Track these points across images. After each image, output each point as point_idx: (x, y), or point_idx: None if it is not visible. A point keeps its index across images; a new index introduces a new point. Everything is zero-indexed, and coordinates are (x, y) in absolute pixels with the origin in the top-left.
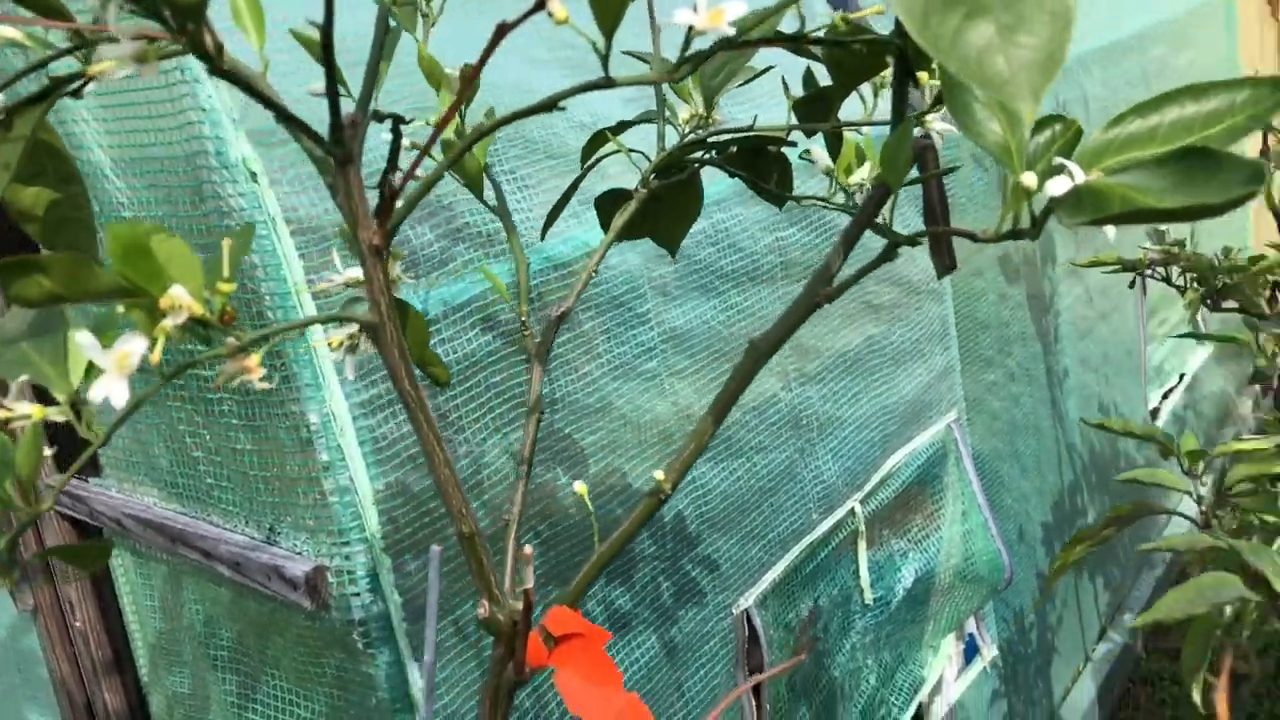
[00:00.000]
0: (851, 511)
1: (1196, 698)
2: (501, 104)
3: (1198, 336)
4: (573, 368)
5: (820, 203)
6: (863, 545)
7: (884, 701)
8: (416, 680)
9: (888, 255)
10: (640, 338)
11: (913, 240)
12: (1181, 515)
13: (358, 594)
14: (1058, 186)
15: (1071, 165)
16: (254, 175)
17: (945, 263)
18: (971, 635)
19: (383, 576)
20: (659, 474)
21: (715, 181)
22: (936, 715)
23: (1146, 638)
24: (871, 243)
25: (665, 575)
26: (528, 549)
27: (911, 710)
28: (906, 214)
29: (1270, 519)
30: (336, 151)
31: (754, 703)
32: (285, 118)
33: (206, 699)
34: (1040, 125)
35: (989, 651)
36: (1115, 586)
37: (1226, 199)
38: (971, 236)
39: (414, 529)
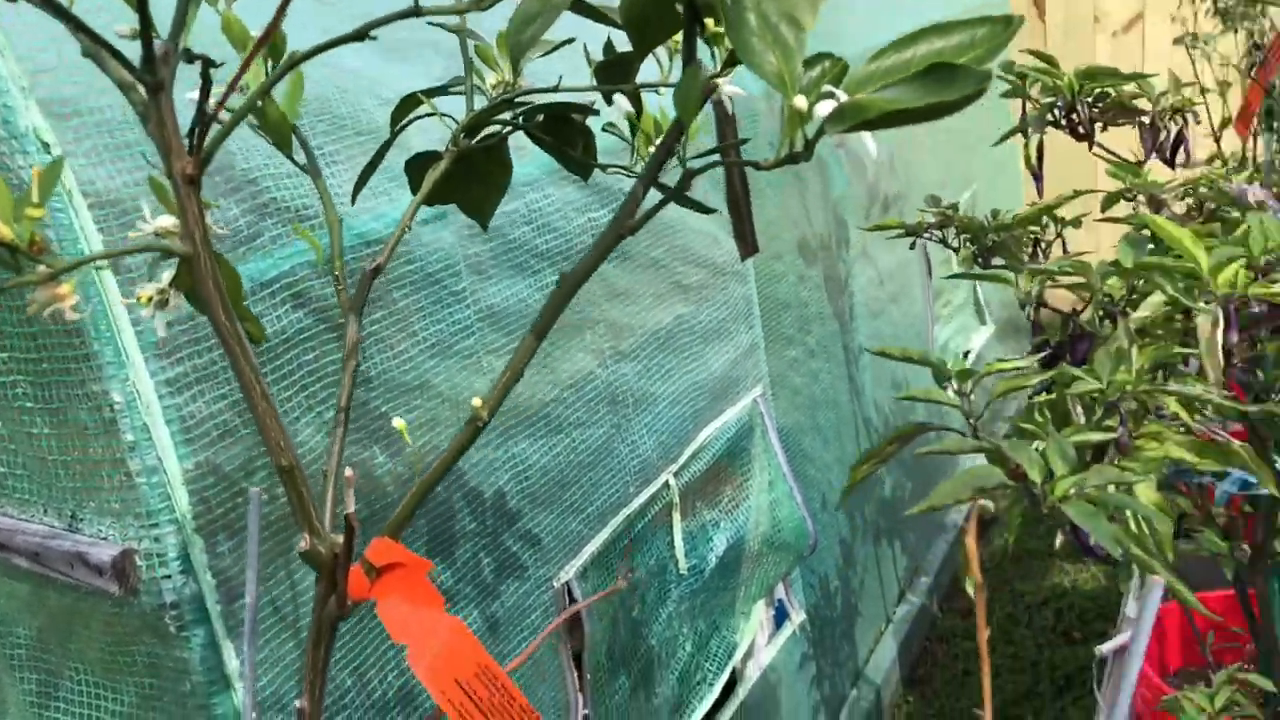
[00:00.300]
0: (666, 484)
1: (970, 590)
2: (306, 79)
3: (969, 276)
4: (388, 345)
5: (623, 170)
6: (677, 516)
7: (699, 667)
8: (232, 661)
9: (679, 190)
10: (456, 316)
11: (692, 200)
12: (954, 430)
13: (168, 576)
14: (825, 108)
15: (838, 91)
16: (46, 146)
17: (748, 246)
18: (781, 601)
19: (195, 557)
20: (476, 401)
21: (528, 161)
22: (749, 679)
23: (941, 598)
24: (686, 222)
25: (487, 551)
26: (349, 472)
27: (725, 675)
28: (712, 199)
29: (1026, 425)
30: (148, 79)
31: (575, 672)
32: (96, 43)
33: (2, 702)
34: (812, 62)
35: (798, 616)
36: (912, 552)
37: (961, 95)
38: (755, 165)
39: (227, 508)
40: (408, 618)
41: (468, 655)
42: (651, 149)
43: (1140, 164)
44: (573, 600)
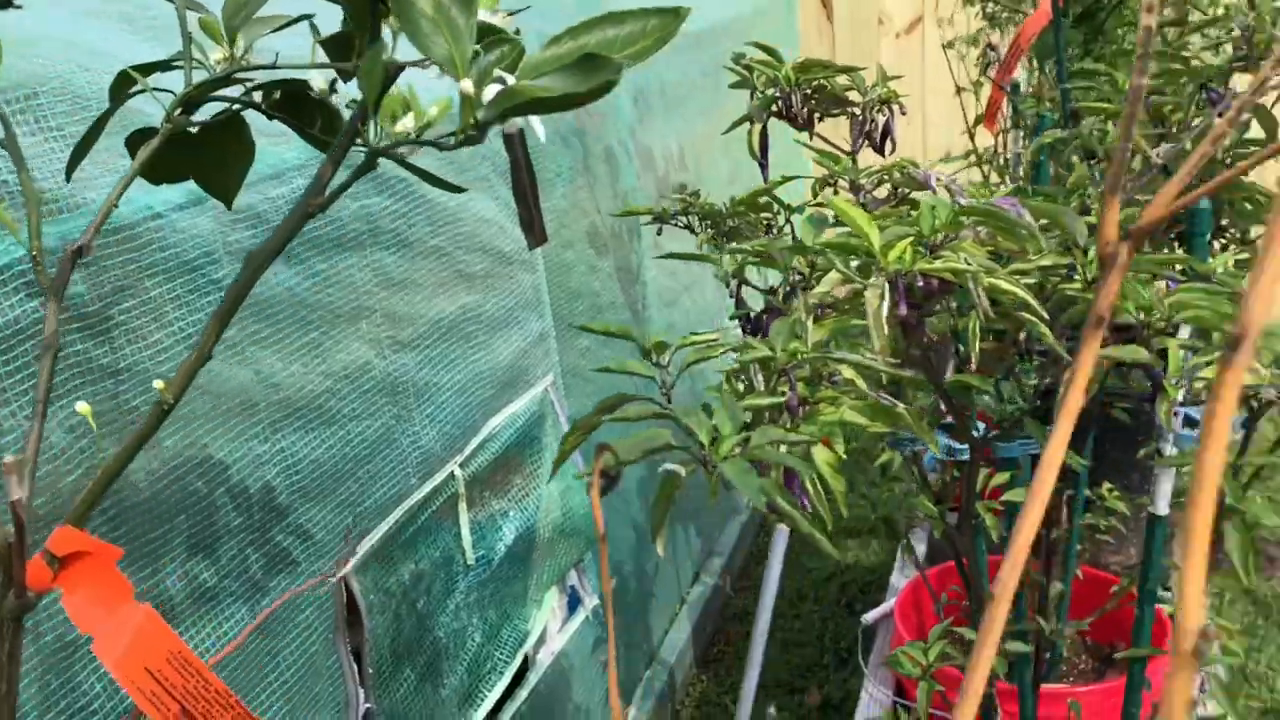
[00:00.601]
0: (451, 475)
1: (661, 550)
2: (44, 58)
3: (680, 257)
4: (140, 336)
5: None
6: (463, 507)
7: (489, 657)
8: None
9: (369, 165)
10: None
11: (428, 174)
12: (651, 400)
13: None
14: (490, 92)
15: (506, 75)
16: None
17: (536, 236)
18: (573, 587)
19: None
20: (159, 384)
21: (296, 145)
22: (541, 665)
23: (734, 578)
24: (470, 211)
25: (255, 547)
26: (7, 459)
27: (516, 663)
28: (498, 189)
29: (715, 393)
30: None
31: (355, 667)
32: None
33: None
34: (492, 45)
35: (590, 601)
36: (705, 533)
37: (590, 88)
38: (437, 145)
39: None
40: (94, 608)
41: (159, 642)
42: (397, 128)
43: (852, 153)
44: (350, 596)
